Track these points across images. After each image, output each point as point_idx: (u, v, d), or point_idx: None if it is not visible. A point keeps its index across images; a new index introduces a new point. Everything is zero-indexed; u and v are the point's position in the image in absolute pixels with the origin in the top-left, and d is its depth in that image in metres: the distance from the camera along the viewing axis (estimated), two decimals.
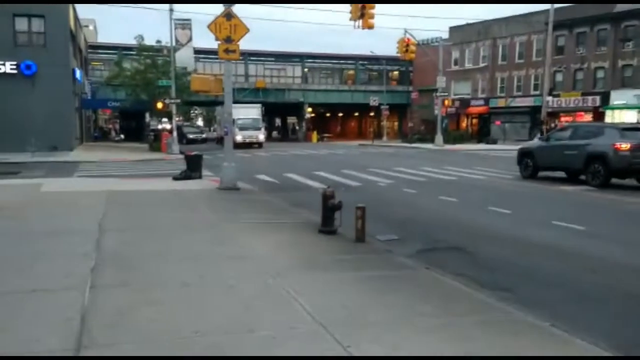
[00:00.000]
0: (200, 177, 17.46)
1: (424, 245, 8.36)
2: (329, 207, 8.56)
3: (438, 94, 36.45)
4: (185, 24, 31.64)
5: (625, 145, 15.03)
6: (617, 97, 44.91)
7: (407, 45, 29.35)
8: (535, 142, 18.99)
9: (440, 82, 36.73)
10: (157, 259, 6.82)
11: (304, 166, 22.97)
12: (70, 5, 32.27)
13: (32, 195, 12.92)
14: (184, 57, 32.14)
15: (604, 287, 6.37)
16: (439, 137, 36.25)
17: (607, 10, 45.07)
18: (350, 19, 20.18)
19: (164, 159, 28.74)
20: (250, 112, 42.27)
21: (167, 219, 9.89)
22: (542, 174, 17.61)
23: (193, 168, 17.38)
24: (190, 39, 31.84)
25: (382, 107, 54.41)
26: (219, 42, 14.17)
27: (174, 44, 32.64)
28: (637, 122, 33.71)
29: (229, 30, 14.15)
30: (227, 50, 14.18)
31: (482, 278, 6.50)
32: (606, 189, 14.83)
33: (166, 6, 31.50)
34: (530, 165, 17.76)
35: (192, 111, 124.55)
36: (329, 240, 8.22)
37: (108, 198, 12.46)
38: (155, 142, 36.96)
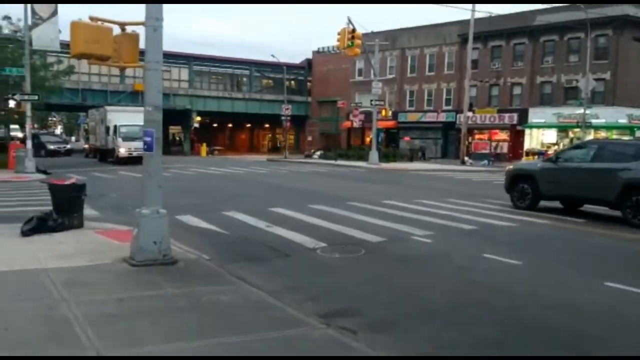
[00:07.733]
0: (80, 225, 9.59)
1: None
2: None
3: (373, 102, 30.69)
4: None
5: None
6: (536, 115, 42.84)
7: (353, 37, 23.05)
8: (534, 163, 14.64)
9: (376, 88, 31.08)
10: None
11: (239, 196, 15.68)
12: None
13: None
14: (44, 38, 22.88)
15: None
16: (373, 154, 30.26)
17: (525, 23, 43.01)
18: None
19: (11, 181, 19.63)
20: (137, 118, 33.12)
21: None
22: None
23: (66, 209, 9.46)
24: (54, 13, 22.72)
25: (284, 118, 47.47)
26: None
27: (29, 20, 23.32)
28: None
29: None
30: None
31: None
32: None
33: None
34: (529, 192, 13.24)
35: (50, 118, 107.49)
36: None
37: None
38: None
